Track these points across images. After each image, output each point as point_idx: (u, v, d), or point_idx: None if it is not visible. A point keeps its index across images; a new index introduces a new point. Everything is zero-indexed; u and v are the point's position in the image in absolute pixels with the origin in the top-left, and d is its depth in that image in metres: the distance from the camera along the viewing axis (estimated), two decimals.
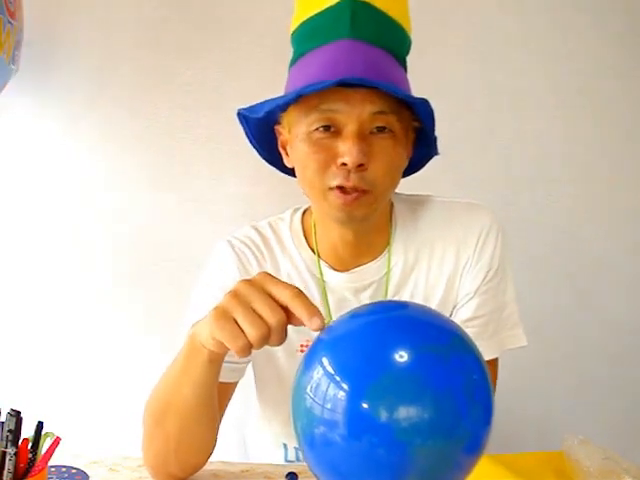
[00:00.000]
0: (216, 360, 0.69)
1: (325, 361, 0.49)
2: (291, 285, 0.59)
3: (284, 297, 0.57)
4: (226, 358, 0.79)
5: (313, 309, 0.55)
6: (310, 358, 0.51)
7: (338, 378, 0.47)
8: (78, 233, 1.46)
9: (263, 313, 0.57)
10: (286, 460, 0.96)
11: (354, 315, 0.54)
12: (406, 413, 0.45)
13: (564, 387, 1.53)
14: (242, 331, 0.57)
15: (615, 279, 1.51)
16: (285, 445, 0.96)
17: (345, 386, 0.46)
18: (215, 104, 1.38)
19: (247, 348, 0.57)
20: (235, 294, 0.59)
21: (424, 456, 0.45)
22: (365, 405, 0.45)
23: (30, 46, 1.33)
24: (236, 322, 0.58)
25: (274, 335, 0.57)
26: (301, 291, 0.57)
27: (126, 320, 1.46)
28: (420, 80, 1.42)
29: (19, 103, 1.40)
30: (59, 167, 1.44)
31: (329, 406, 0.47)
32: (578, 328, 1.52)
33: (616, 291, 1.51)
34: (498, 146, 1.47)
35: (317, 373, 0.49)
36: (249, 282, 0.60)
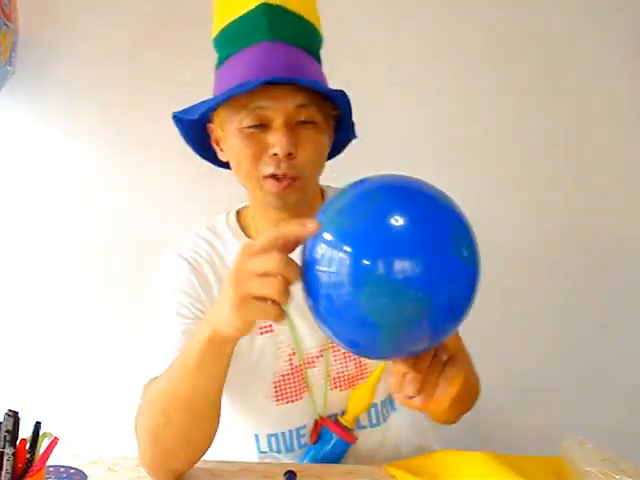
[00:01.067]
0: (232, 349, 0.72)
1: (327, 235, 0.56)
2: (265, 233, 0.62)
3: (269, 242, 0.60)
4: None
5: (299, 222, 0.59)
6: (313, 240, 0.57)
7: (341, 244, 0.54)
8: (77, 233, 1.46)
9: (269, 268, 0.59)
10: (259, 452, 0.97)
11: (342, 193, 0.60)
12: (401, 267, 0.52)
13: (564, 387, 1.53)
14: (266, 299, 0.60)
15: (615, 279, 1.51)
16: (257, 436, 0.97)
17: (348, 249, 0.54)
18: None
19: (281, 312, 0.60)
20: (236, 278, 0.61)
21: (416, 307, 0.53)
22: (366, 262, 0.53)
23: (28, 47, 1.33)
24: (255, 297, 0.60)
25: (290, 278, 0.59)
26: (275, 228, 0.61)
27: (125, 320, 1.47)
28: (420, 79, 1.44)
29: (17, 104, 1.40)
30: (58, 167, 1.45)
31: (334, 269, 0.54)
32: (577, 328, 1.52)
33: (616, 291, 1.51)
34: (498, 146, 1.47)
35: (321, 248, 0.56)
36: (236, 264, 0.62)
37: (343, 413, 0.95)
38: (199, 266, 0.93)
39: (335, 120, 0.91)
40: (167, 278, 0.94)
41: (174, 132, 1.40)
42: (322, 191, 1.02)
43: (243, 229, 0.98)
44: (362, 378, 0.95)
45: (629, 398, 1.52)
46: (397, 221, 0.54)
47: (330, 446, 0.93)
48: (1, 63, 1.19)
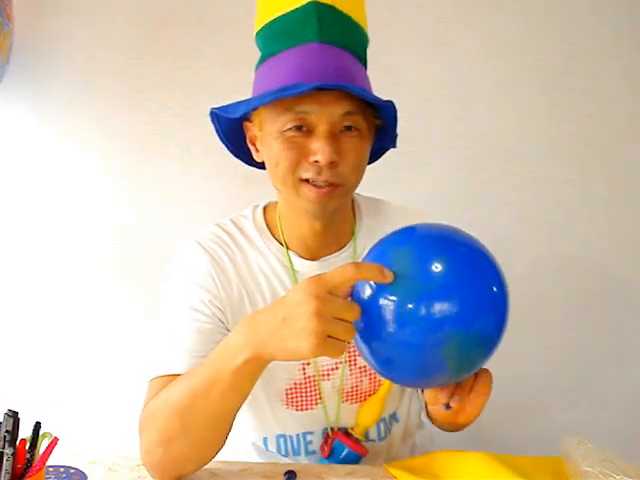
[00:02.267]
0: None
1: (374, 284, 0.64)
2: (343, 266, 0.64)
3: (349, 278, 0.64)
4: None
5: (377, 268, 0.62)
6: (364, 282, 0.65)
7: (389, 289, 0.63)
8: (76, 233, 1.46)
9: (346, 317, 0.63)
10: (266, 449, 0.98)
11: (386, 241, 0.69)
12: (439, 308, 0.61)
13: (563, 388, 1.53)
14: (337, 339, 0.64)
15: (614, 279, 1.51)
16: (265, 438, 0.97)
17: (394, 296, 0.62)
18: (215, 104, 1.38)
19: (345, 348, 0.65)
20: (319, 315, 0.63)
21: (451, 345, 0.61)
22: (410, 306, 0.62)
23: (25, 47, 1.33)
24: (329, 335, 0.63)
25: (355, 319, 0.64)
26: (354, 263, 0.64)
27: (125, 320, 1.47)
28: (421, 79, 1.44)
29: (14, 102, 1.40)
30: (59, 167, 1.45)
31: (384, 311, 0.63)
32: (577, 328, 1.52)
33: (615, 292, 1.51)
34: (498, 146, 1.47)
35: (374, 292, 0.64)
36: (317, 297, 0.63)
37: (353, 426, 0.95)
38: (220, 260, 0.90)
39: (377, 129, 0.88)
40: (186, 269, 0.91)
41: (174, 131, 1.42)
42: (352, 201, 0.99)
43: (269, 228, 0.95)
44: (374, 393, 0.95)
45: (629, 398, 1.52)
46: (437, 267, 0.62)
47: (342, 458, 0.92)
48: (1, 62, 1.19)
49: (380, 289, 0.63)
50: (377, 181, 1.42)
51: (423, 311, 0.61)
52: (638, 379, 1.52)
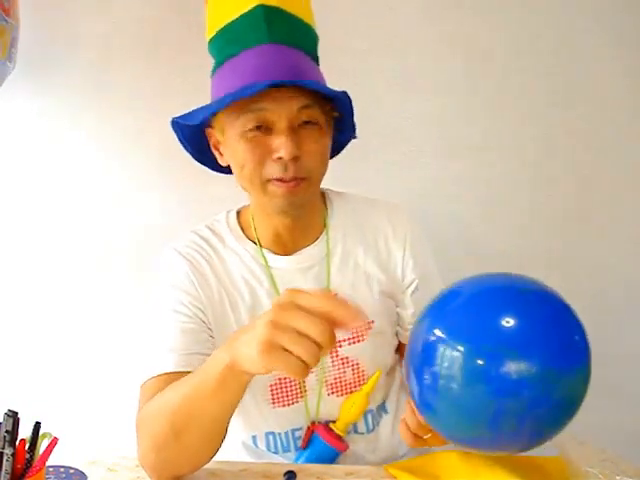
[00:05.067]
0: (250, 379, 0.71)
1: (438, 332, 0.60)
2: (319, 292, 0.61)
3: (320, 306, 0.59)
4: (198, 350, 0.85)
5: (352, 309, 0.59)
6: (426, 333, 0.61)
7: (455, 343, 0.58)
8: (76, 233, 1.46)
9: (309, 332, 0.58)
10: (256, 447, 0.99)
11: (453, 291, 0.64)
12: (516, 367, 0.55)
13: None
14: (294, 356, 0.58)
15: (614, 279, 1.51)
16: (254, 437, 0.98)
17: (462, 348, 0.58)
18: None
19: (305, 371, 0.59)
20: (274, 323, 0.59)
21: (527, 404, 0.56)
22: (480, 362, 0.56)
23: (30, 42, 1.33)
24: (285, 349, 0.59)
25: (325, 347, 0.59)
26: (331, 293, 0.60)
27: (125, 320, 1.46)
28: (420, 79, 1.43)
29: (18, 100, 1.40)
30: (60, 166, 1.44)
31: (447, 365, 0.58)
32: None
33: (615, 291, 1.51)
34: (498, 146, 1.47)
35: (434, 343, 0.60)
36: (280, 306, 0.61)
37: (336, 420, 0.95)
38: (198, 265, 0.93)
39: (335, 121, 0.91)
40: (166, 275, 0.94)
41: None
42: (323, 194, 1.02)
43: (243, 230, 0.97)
44: (359, 385, 0.96)
45: (629, 398, 1.52)
46: (508, 322, 0.57)
47: (319, 452, 0.93)
48: (1, 59, 1.19)
49: (436, 339, 0.60)
50: (377, 181, 1.43)
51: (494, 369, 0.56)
52: (638, 379, 1.52)
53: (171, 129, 0.94)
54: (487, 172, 1.47)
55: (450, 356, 0.58)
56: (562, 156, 1.48)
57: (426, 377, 0.61)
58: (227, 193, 1.39)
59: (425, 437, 0.74)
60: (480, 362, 0.56)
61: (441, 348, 0.59)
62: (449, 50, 1.43)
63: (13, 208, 1.45)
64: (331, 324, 0.59)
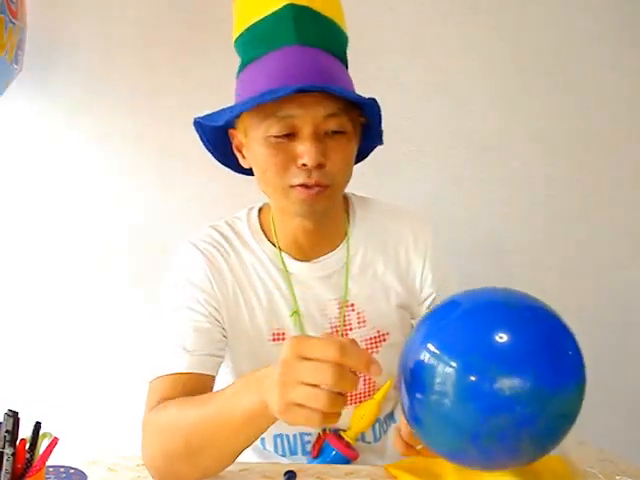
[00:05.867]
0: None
1: (431, 346, 0.59)
2: (329, 339, 0.59)
3: (332, 357, 0.57)
4: (211, 351, 0.83)
5: (366, 358, 0.57)
6: (417, 348, 0.60)
7: (448, 358, 0.57)
8: (76, 233, 1.46)
9: (321, 383, 0.57)
10: (264, 448, 0.98)
11: (448, 306, 0.63)
12: (508, 384, 0.54)
13: None
14: (312, 409, 0.57)
15: (614, 279, 1.51)
16: (262, 438, 0.97)
17: (454, 364, 0.57)
18: (215, 104, 1.38)
19: (331, 419, 0.58)
20: (283, 383, 0.58)
21: (521, 421, 0.55)
22: (472, 378, 0.55)
23: (36, 44, 1.33)
24: (299, 405, 0.58)
25: (344, 388, 0.58)
26: (344, 343, 0.58)
27: (125, 320, 1.47)
28: (421, 79, 1.43)
29: (18, 102, 1.40)
30: (60, 166, 1.45)
31: (439, 380, 0.57)
32: (575, 328, 1.51)
33: (615, 291, 1.51)
34: (498, 146, 1.47)
35: (427, 358, 0.59)
36: (285, 362, 0.59)
37: (347, 428, 0.94)
38: (215, 260, 0.90)
39: (362, 127, 0.88)
40: (182, 270, 0.91)
41: (175, 131, 1.42)
42: (347, 201, 0.99)
43: (263, 230, 0.95)
44: (370, 395, 0.95)
45: (629, 398, 1.52)
46: (501, 338, 0.56)
47: (330, 461, 0.92)
48: (7, 61, 1.18)
49: (429, 355, 0.59)
50: (377, 181, 1.43)
51: (487, 385, 0.55)
52: (638, 379, 1.52)
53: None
54: (487, 172, 1.47)
55: (442, 372, 0.57)
56: (562, 156, 1.48)
57: (417, 391, 0.60)
58: (227, 193, 1.42)
59: (417, 448, 0.73)
60: (472, 378, 0.55)
61: (434, 363, 0.58)
62: (449, 50, 1.44)
63: (13, 208, 1.45)
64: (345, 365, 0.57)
